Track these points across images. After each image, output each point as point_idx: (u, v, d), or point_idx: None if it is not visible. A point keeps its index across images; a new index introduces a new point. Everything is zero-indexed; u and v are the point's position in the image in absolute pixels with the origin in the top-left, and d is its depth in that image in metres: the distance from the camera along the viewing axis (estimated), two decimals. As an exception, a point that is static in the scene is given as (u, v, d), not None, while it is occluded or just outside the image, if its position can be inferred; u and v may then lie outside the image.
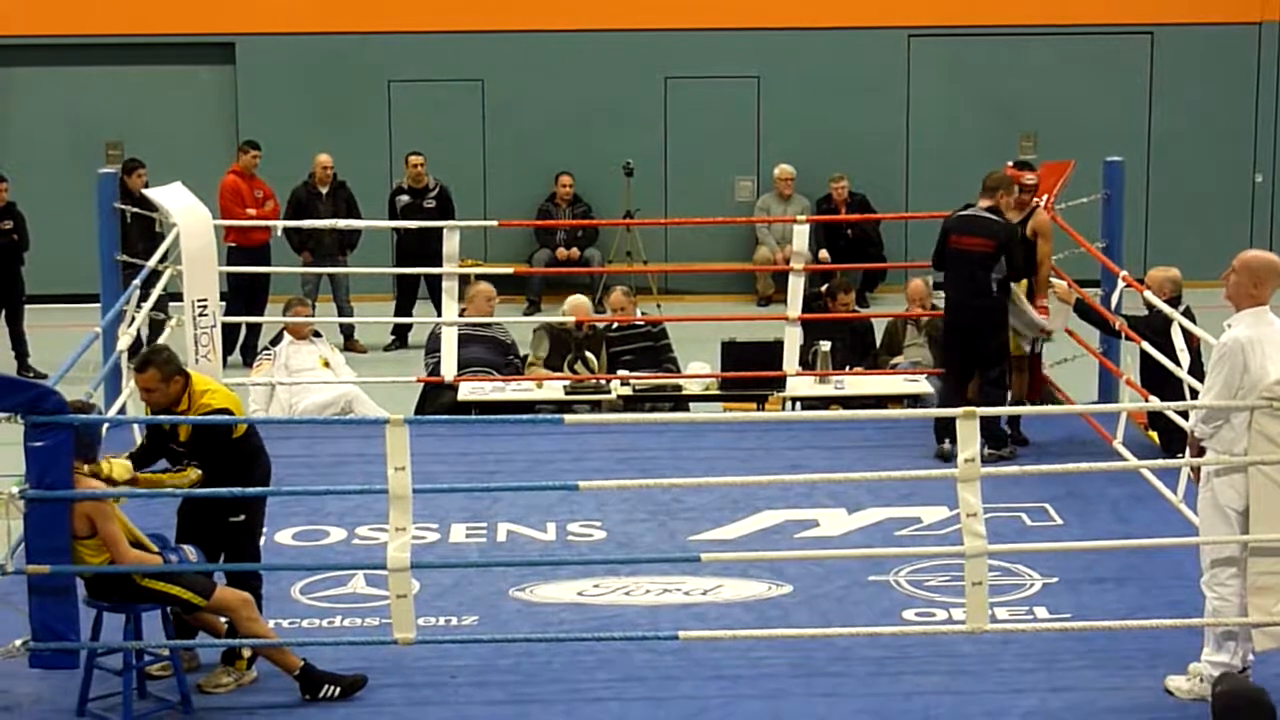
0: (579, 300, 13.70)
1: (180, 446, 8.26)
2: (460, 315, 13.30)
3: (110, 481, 8.06)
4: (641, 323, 13.69)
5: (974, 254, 11.58)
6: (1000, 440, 11.64)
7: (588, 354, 13.57)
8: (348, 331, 16.76)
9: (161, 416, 8.18)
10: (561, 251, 18.51)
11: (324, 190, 16.84)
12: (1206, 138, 19.65)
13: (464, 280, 13.81)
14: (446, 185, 17.47)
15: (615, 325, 13.62)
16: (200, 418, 8.15)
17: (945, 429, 11.70)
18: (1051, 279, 12.12)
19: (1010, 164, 12.23)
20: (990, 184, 11.67)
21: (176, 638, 8.31)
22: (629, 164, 18.67)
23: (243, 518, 8.40)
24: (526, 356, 13.50)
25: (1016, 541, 9.91)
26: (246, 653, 8.35)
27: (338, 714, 8.10)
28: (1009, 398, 12.16)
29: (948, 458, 11.60)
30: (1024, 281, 11.95)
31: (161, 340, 13.11)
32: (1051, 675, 8.42)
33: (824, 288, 14.04)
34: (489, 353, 13.37)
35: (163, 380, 8.18)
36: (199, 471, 8.16)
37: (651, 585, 9.49)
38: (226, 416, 8.22)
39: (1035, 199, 12.17)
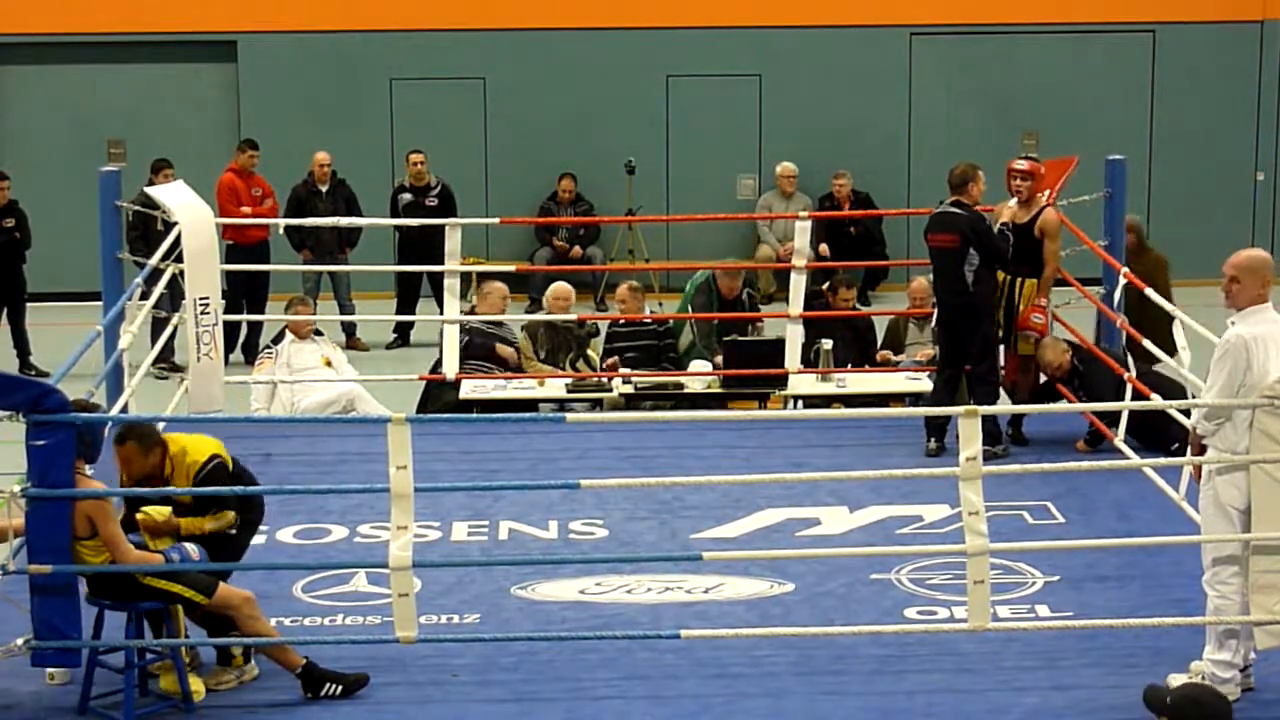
0: (562, 287, 13.72)
1: (187, 510, 8.33)
2: (471, 313, 13.39)
3: (155, 528, 8.14)
4: (648, 321, 13.68)
5: (944, 250, 11.66)
6: (995, 437, 11.65)
7: (589, 352, 13.59)
8: (349, 329, 16.77)
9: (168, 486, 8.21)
10: (558, 243, 18.47)
11: (323, 188, 16.85)
12: (1208, 136, 19.65)
13: (465, 278, 13.83)
14: (448, 183, 17.47)
15: (621, 323, 13.62)
16: (201, 464, 8.24)
17: (935, 428, 11.75)
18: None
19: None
20: (954, 181, 11.72)
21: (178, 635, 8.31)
22: (630, 162, 18.67)
23: (233, 532, 8.45)
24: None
25: (1018, 540, 9.90)
26: (238, 650, 8.35)
27: (340, 712, 8.10)
28: (1017, 396, 12.18)
29: (935, 455, 11.64)
30: (1031, 280, 11.97)
31: (164, 338, 13.22)
32: (1053, 673, 8.42)
33: (825, 285, 14.04)
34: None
35: (142, 453, 8.22)
36: (234, 513, 8.23)
37: (653, 583, 9.50)
38: (217, 461, 8.31)
39: (1040, 193, 12.13)
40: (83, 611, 8.07)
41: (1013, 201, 12.01)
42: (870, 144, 19.44)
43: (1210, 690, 7.49)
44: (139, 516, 8.23)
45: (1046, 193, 12.47)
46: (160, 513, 8.23)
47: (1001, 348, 12.21)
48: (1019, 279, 11.94)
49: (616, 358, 13.12)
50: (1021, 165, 12.05)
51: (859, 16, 19.46)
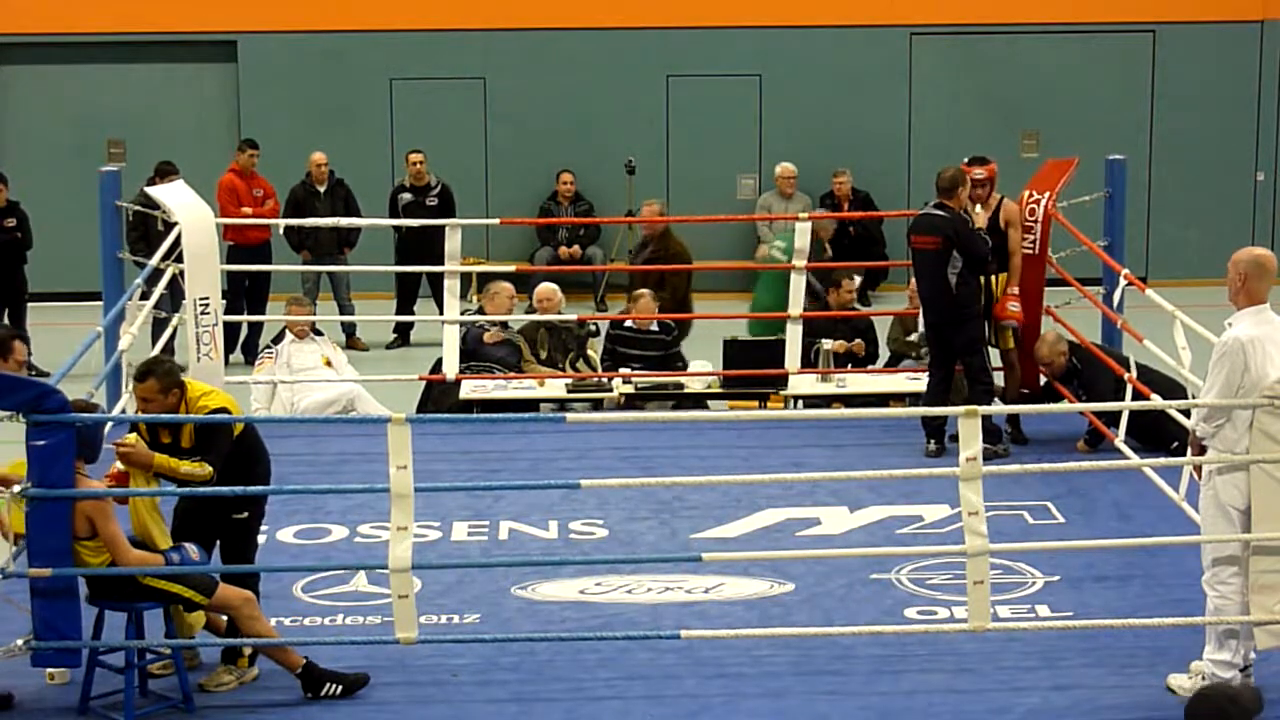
0: (546, 287, 13.74)
1: (183, 453, 8.23)
2: (480, 314, 13.42)
3: (129, 458, 8.05)
4: (655, 329, 13.64)
5: (928, 252, 11.71)
6: (994, 435, 11.68)
7: (589, 352, 13.59)
8: (349, 329, 16.76)
9: (164, 416, 8.17)
10: (564, 250, 18.49)
11: (321, 188, 16.84)
12: (1208, 136, 19.65)
13: (465, 278, 13.83)
14: (448, 183, 17.47)
15: (630, 326, 13.60)
16: (204, 417, 8.14)
17: (933, 429, 11.77)
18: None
19: (965, 161, 12.29)
20: (943, 184, 11.73)
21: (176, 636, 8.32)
22: (630, 162, 18.67)
23: (245, 515, 8.41)
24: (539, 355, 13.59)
25: (1018, 540, 9.92)
26: (248, 651, 8.36)
27: (340, 712, 8.11)
28: (1006, 397, 12.21)
29: (936, 457, 11.66)
30: (1003, 274, 12.03)
31: (164, 338, 13.22)
32: (1053, 673, 8.42)
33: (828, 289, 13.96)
34: (509, 354, 13.43)
35: (161, 391, 8.16)
36: (211, 469, 8.15)
37: (653, 584, 9.50)
38: (227, 415, 8.23)
39: (995, 192, 12.17)
40: (83, 612, 8.07)
41: (977, 208, 12.03)
42: (870, 144, 19.43)
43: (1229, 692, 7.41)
44: (114, 443, 8.18)
45: (1046, 194, 12.49)
46: (133, 438, 8.18)
47: (994, 350, 12.24)
48: (991, 275, 11.99)
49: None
50: (980, 174, 12.08)
51: (859, 16, 19.45)
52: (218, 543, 8.47)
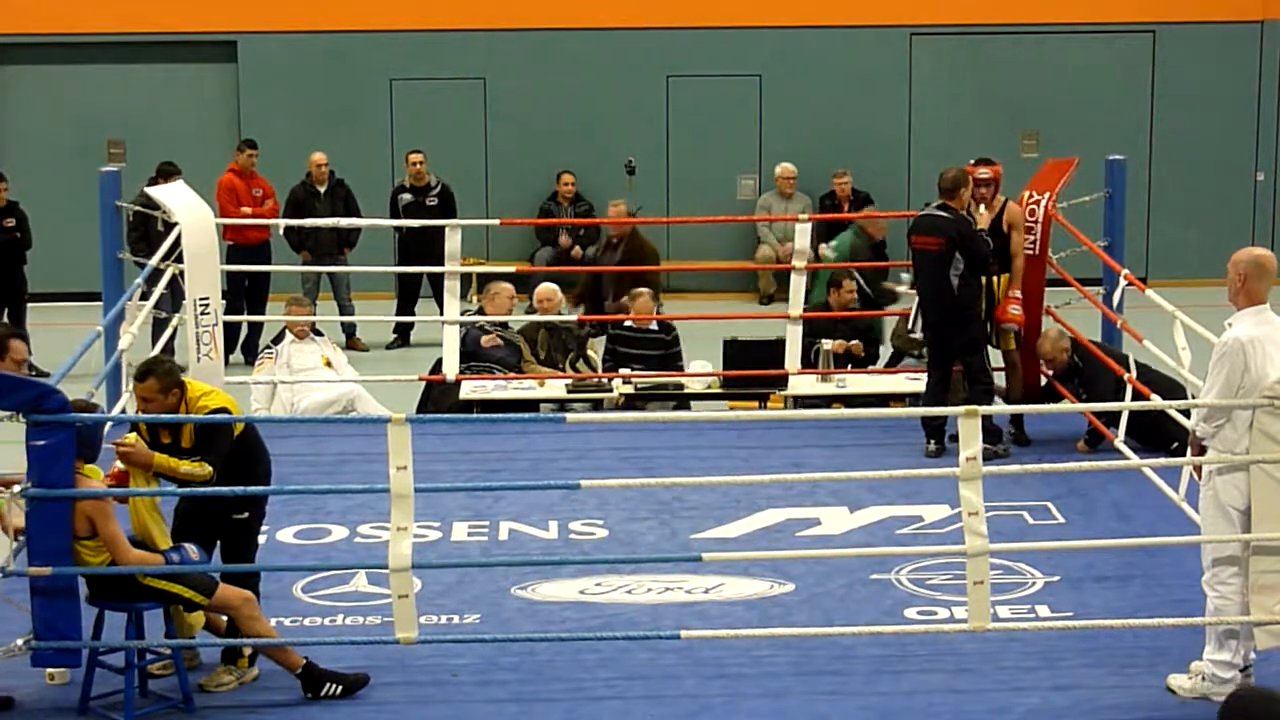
0: (546, 287, 13.75)
1: (183, 453, 8.22)
2: (480, 314, 13.44)
3: (129, 458, 8.05)
4: (655, 328, 13.63)
5: (930, 253, 11.70)
6: (995, 435, 11.69)
7: (589, 352, 13.59)
8: (349, 330, 16.76)
9: (164, 416, 8.17)
10: (565, 239, 18.43)
11: (321, 189, 16.84)
12: (1208, 136, 19.65)
13: (465, 279, 13.83)
14: (448, 184, 17.47)
15: (629, 326, 13.60)
16: (204, 417, 8.14)
17: (933, 429, 11.78)
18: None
19: (970, 162, 12.28)
20: (945, 185, 11.73)
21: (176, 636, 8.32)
22: (630, 162, 18.67)
23: (246, 515, 8.41)
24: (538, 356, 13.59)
25: (1018, 540, 9.91)
26: (248, 651, 8.36)
27: (340, 712, 8.10)
28: (1009, 398, 12.21)
29: (935, 457, 11.66)
30: (1005, 276, 12.05)
31: (164, 338, 13.23)
32: (1054, 674, 8.42)
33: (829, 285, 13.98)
34: (508, 354, 13.43)
35: (161, 391, 8.16)
36: (211, 469, 8.14)
37: (653, 584, 9.50)
38: (228, 415, 8.23)
39: (1000, 194, 12.18)
40: (83, 612, 8.07)
41: (981, 208, 12.04)
42: (870, 144, 19.44)
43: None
44: (114, 443, 8.18)
45: (1046, 194, 12.49)
46: (133, 438, 8.18)
47: (992, 350, 12.24)
48: (993, 276, 12.00)
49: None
50: (985, 174, 12.09)
51: (859, 16, 19.46)
52: (218, 543, 8.48)
